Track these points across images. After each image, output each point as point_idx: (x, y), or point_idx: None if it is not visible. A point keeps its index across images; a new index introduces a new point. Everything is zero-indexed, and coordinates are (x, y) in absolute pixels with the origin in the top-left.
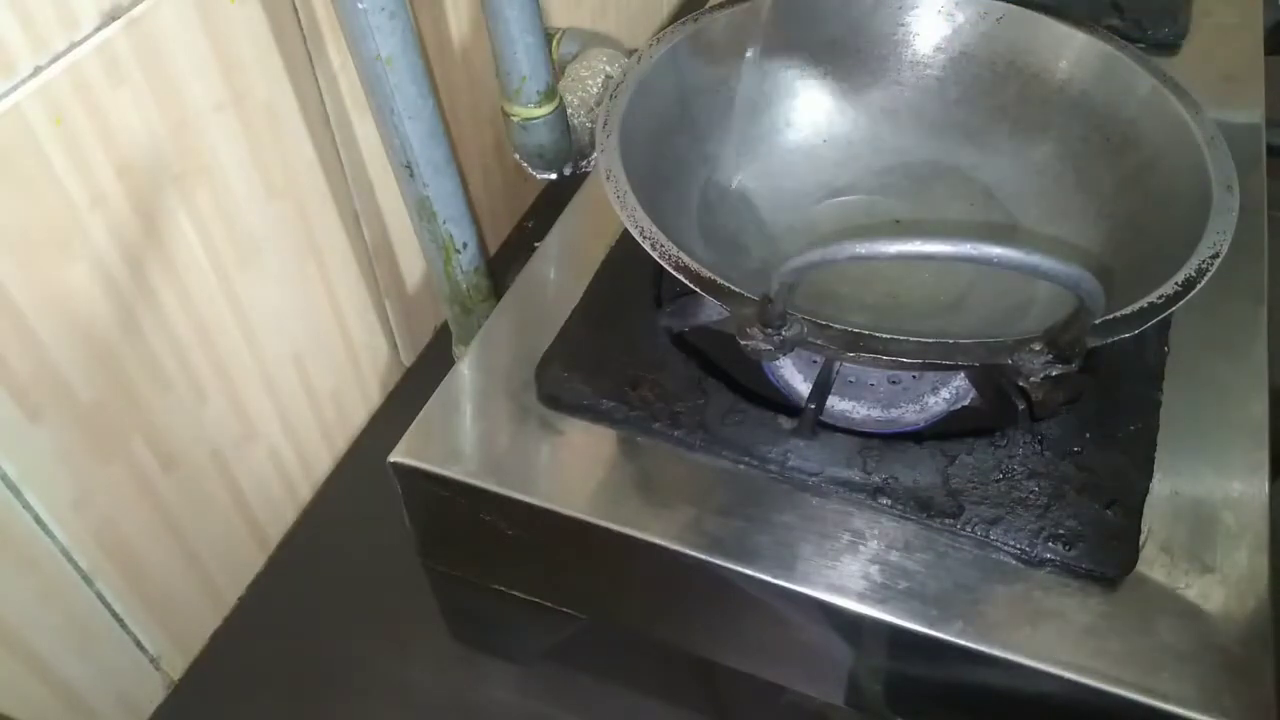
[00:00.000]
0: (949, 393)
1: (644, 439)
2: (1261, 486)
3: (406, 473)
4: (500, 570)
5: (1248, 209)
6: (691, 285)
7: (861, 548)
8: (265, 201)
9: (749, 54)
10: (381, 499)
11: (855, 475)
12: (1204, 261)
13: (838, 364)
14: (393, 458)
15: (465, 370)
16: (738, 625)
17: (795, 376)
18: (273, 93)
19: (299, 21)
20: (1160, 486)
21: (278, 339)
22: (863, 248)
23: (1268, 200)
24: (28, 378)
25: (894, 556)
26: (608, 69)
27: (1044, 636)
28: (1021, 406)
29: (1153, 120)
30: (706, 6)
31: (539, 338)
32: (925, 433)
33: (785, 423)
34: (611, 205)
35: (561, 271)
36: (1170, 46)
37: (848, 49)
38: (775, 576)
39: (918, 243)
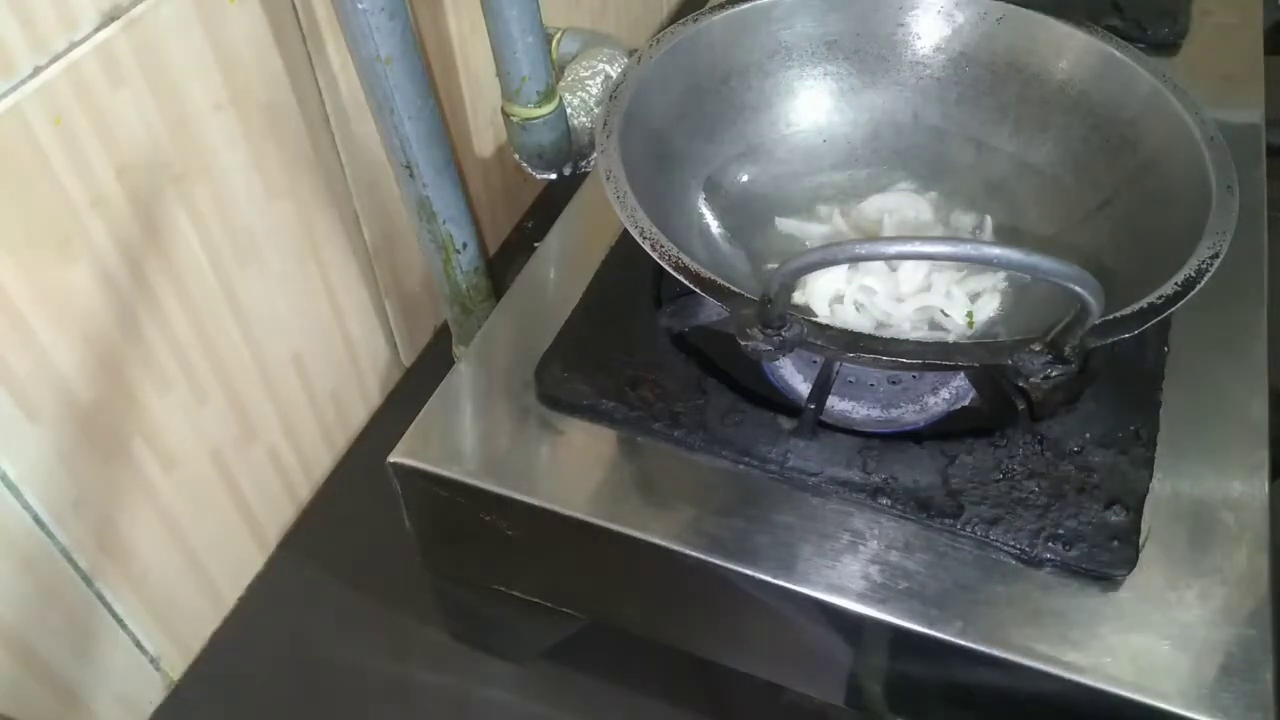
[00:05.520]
0: (949, 393)
1: (644, 439)
2: (1261, 486)
3: (406, 473)
4: (500, 570)
5: (1248, 209)
6: (691, 285)
7: (861, 548)
8: (265, 201)
9: (746, 56)
10: (381, 499)
11: (855, 475)
12: (1204, 261)
13: (837, 364)
14: (393, 458)
15: (465, 370)
16: (738, 625)
17: (795, 376)
18: (273, 93)
19: (299, 22)
20: (1160, 486)
21: (277, 339)
22: (863, 248)
23: (1268, 200)
24: (28, 378)
25: (894, 556)
26: (608, 69)
27: (1044, 636)
28: (1021, 406)
29: (1153, 120)
30: (706, 6)
31: (539, 338)
32: (925, 433)
33: (785, 423)
34: (611, 205)
35: (561, 271)
36: (1170, 46)
37: (847, 49)
38: (775, 576)
39: (918, 243)
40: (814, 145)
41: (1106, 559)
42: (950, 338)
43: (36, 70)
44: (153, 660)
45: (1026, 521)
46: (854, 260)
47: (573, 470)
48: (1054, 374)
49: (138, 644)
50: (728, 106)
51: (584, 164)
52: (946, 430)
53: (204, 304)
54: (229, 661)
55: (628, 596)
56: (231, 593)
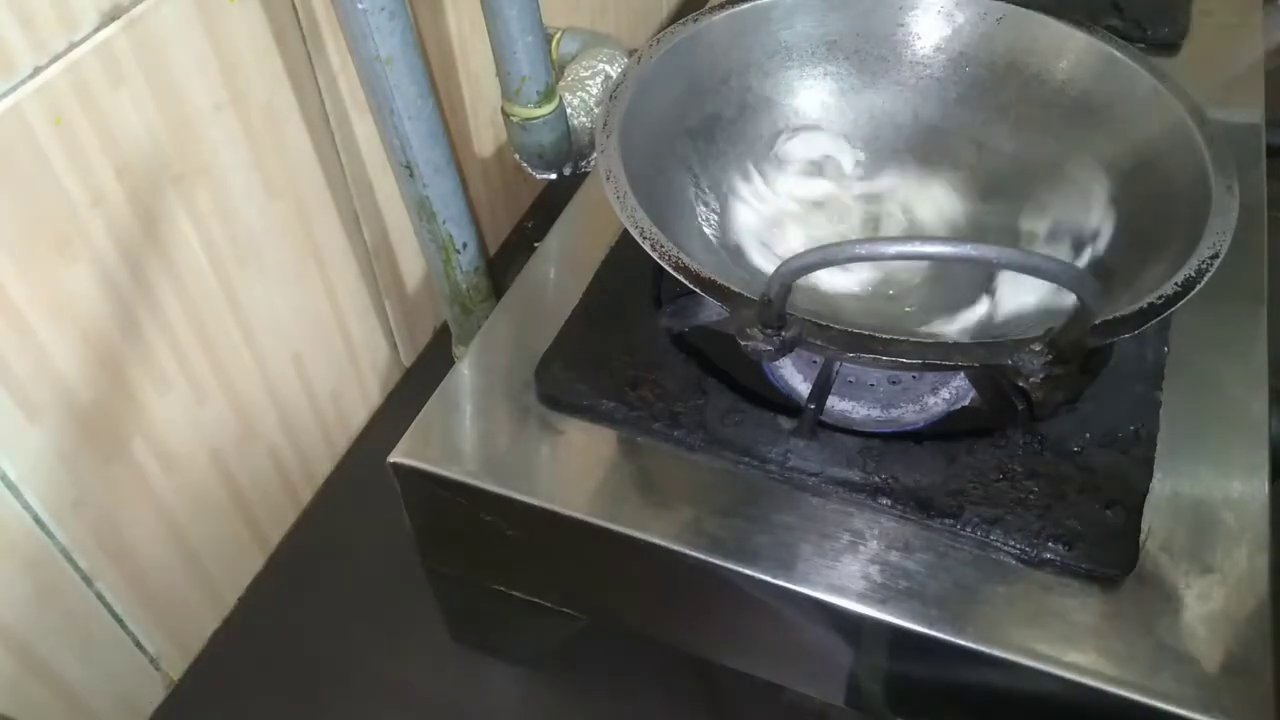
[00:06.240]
0: (949, 393)
1: (644, 439)
2: (1261, 486)
3: (406, 473)
4: (500, 570)
5: (1248, 209)
6: (691, 285)
7: (861, 548)
8: (265, 201)
9: (746, 56)
10: (381, 499)
11: (855, 475)
12: (1204, 261)
13: (838, 364)
14: (393, 458)
15: (465, 370)
16: (738, 625)
17: (795, 376)
18: (273, 93)
19: (299, 21)
20: (1160, 486)
21: (277, 339)
22: (863, 248)
23: (1268, 200)
24: (28, 378)
25: (894, 556)
26: (608, 69)
27: (1044, 636)
28: (1021, 406)
29: (1153, 120)
30: (706, 6)
31: (539, 338)
32: (925, 433)
33: (785, 423)
34: (611, 205)
35: (561, 271)
36: (1170, 46)
37: (847, 49)
38: (775, 576)
39: (918, 243)
40: None
41: (1106, 559)
42: (950, 338)
43: (36, 70)
44: (153, 660)
45: (1026, 521)
46: (853, 260)
47: (573, 470)
48: (1054, 374)
49: (138, 644)
50: (728, 106)
51: (584, 164)
52: (946, 430)
53: (204, 304)
54: (229, 661)
55: (628, 596)
56: (231, 593)
